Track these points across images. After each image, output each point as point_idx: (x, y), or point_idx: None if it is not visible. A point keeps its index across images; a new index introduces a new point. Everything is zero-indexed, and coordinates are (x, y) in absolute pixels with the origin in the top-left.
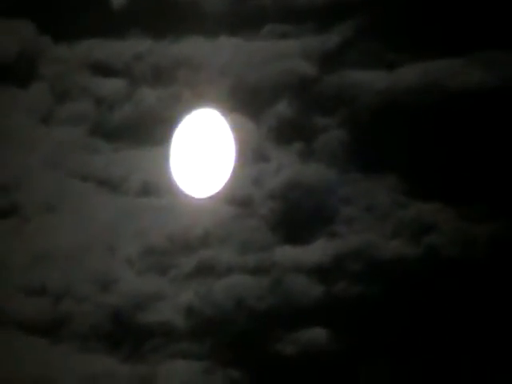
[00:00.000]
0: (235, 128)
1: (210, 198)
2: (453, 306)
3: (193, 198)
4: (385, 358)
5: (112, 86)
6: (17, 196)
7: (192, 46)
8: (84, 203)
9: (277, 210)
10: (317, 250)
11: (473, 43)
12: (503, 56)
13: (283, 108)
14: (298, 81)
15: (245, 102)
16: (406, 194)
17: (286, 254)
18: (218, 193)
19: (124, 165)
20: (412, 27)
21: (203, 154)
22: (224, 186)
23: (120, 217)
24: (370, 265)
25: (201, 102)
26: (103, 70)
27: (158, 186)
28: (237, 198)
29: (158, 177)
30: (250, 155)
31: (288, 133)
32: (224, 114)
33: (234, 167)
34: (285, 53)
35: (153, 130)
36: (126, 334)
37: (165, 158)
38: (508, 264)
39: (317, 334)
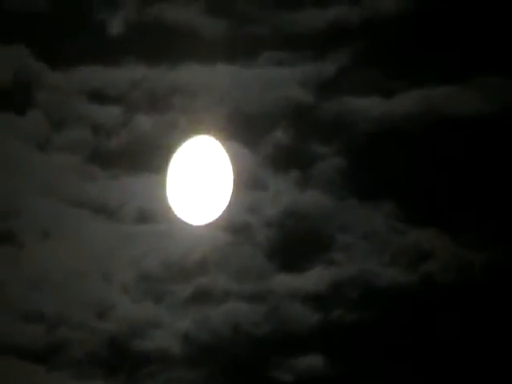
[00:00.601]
0: (232, 155)
1: (207, 225)
2: (449, 333)
3: (190, 225)
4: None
5: (108, 113)
6: (13, 223)
7: (188, 73)
8: (80, 230)
9: (273, 238)
10: (313, 278)
11: (471, 70)
12: (502, 83)
13: (280, 135)
14: (294, 108)
15: (242, 129)
16: (402, 221)
17: (283, 281)
18: (214, 220)
19: (120, 192)
20: (409, 54)
21: (200, 181)
22: (221, 214)
23: (116, 244)
24: (366, 292)
25: (197, 129)
26: (99, 97)
27: (154, 213)
28: (234, 226)
29: (154, 204)
30: (247, 183)
31: (285, 160)
32: (221, 141)
33: (231, 194)
34: (281, 80)
35: (149, 157)
36: (122, 360)
37: (161, 185)
38: (504, 291)
39: (314, 361)
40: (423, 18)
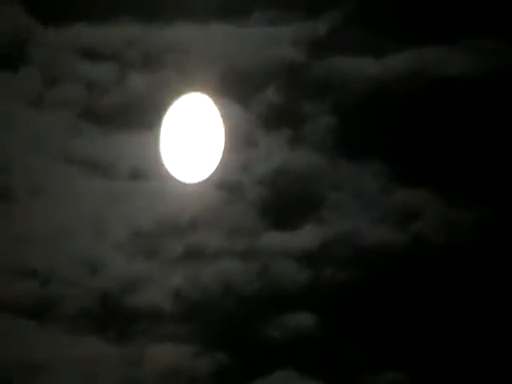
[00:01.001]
0: (224, 113)
1: (199, 182)
2: (438, 291)
3: (182, 182)
4: (371, 342)
5: (102, 70)
6: (4, 179)
7: (182, 32)
8: (72, 187)
9: (265, 196)
10: (304, 236)
11: (461, 31)
12: (489, 44)
13: (272, 94)
14: (287, 67)
15: (234, 87)
16: (392, 180)
17: (274, 239)
18: (207, 178)
19: (113, 149)
20: (399, 15)
21: (193, 139)
22: (213, 171)
23: (109, 200)
24: (356, 250)
25: (190, 87)
26: (93, 54)
27: (147, 171)
28: (225, 184)
29: (147, 161)
30: (239, 141)
31: (277, 119)
32: (213, 99)
33: (223, 152)
34: (274, 39)
35: (142, 115)
36: (114, 316)
37: (154, 142)
38: (493, 249)
39: (304, 319)
40: None
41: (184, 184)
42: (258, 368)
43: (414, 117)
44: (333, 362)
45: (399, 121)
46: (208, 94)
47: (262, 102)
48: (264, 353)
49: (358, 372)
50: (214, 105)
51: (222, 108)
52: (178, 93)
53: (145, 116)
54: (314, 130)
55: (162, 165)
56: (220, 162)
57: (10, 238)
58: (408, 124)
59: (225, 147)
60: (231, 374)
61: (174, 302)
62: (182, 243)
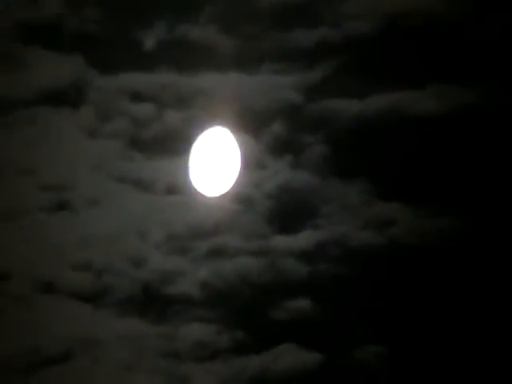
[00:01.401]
0: (240, 143)
1: (220, 196)
2: (409, 282)
3: (206, 196)
4: (357, 322)
5: (144, 109)
6: (69, 194)
7: (207, 79)
8: (122, 200)
9: (272, 207)
10: (303, 239)
11: (427, 78)
12: (450, 88)
13: (278, 128)
14: (289, 107)
15: (248, 122)
16: (373, 196)
17: (280, 241)
18: (226, 192)
19: (153, 171)
20: (379, 65)
21: (215, 162)
22: (231, 188)
23: (150, 210)
24: (344, 250)
25: (213, 122)
26: (137, 96)
27: (179, 187)
28: (241, 197)
29: (179, 180)
30: (252, 164)
31: (281, 147)
32: (231, 131)
33: (239, 173)
34: (279, 85)
35: (176, 144)
36: (154, 302)
37: (185, 165)
38: (454, 250)
39: (302, 303)
40: (391, 37)
41: (208, 197)
42: (267, 342)
43: (390, 146)
44: (325, 337)
45: (378, 149)
46: (227, 127)
47: (270, 134)
48: (271, 330)
49: (346, 345)
50: (232, 136)
51: (238, 138)
52: (203, 127)
53: (178, 145)
54: (310, 156)
55: (191, 183)
56: (236, 180)
57: (73, 239)
58: (385, 151)
59: (240, 169)
60: (246, 347)
61: (200, 291)
62: (206, 244)
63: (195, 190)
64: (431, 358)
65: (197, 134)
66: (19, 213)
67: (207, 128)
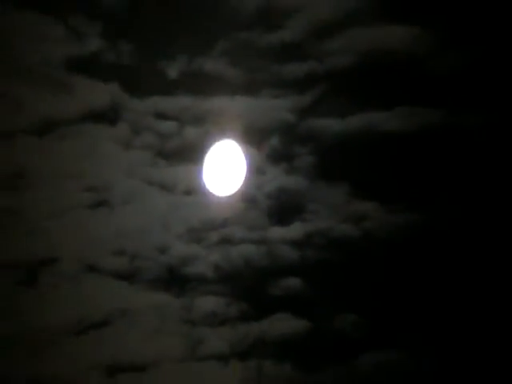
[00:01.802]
0: (245, 153)
1: (229, 196)
2: (380, 267)
3: (217, 196)
4: (338, 296)
5: (168, 126)
6: (107, 194)
7: (218, 102)
8: (149, 199)
9: (270, 205)
10: (294, 230)
11: (396, 102)
12: (415, 111)
13: (275, 141)
14: (284, 125)
15: (251, 136)
16: (351, 196)
17: (276, 232)
18: (233, 193)
19: (174, 175)
20: (356, 91)
21: (224, 168)
22: (238, 189)
23: (172, 208)
24: (328, 240)
25: (224, 136)
26: (162, 115)
27: (195, 189)
28: (245, 197)
29: (195, 183)
30: (254, 170)
31: (278, 157)
32: (238, 144)
33: (244, 177)
34: (276, 107)
35: (193, 154)
36: (176, 280)
37: (200, 171)
38: (417, 241)
39: (294, 282)
40: (366, 69)
41: (218, 197)
42: (266, 312)
43: (365, 156)
44: (312, 308)
45: (356, 158)
46: (235, 140)
47: (269, 146)
48: (269, 303)
49: (328, 315)
50: (238, 147)
51: (243, 149)
52: (215, 140)
53: (194, 154)
54: (301, 164)
55: (205, 185)
56: (242, 183)
57: (110, 231)
58: (362, 160)
59: (245, 174)
60: (249, 316)
61: (213, 271)
62: (217, 234)
63: (208, 191)
64: (398, 325)
65: (210, 146)
66: (68, 209)
67: (218, 141)
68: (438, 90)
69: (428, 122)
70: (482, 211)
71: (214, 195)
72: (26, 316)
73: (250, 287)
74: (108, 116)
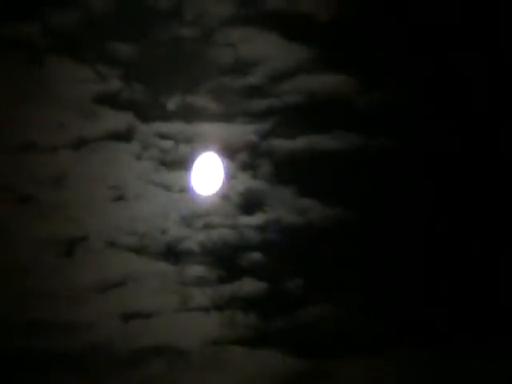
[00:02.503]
0: (223, 163)
1: (211, 194)
2: (320, 246)
3: (202, 194)
4: (287, 265)
5: (168, 144)
6: (123, 191)
7: (204, 127)
8: (154, 195)
9: (241, 201)
10: (258, 218)
11: (333, 126)
12: (347, 135)
13: (244, 156)
14: (251, 144)
15: (227, 152)
16: (298, 195)
17: (244, 220)
18: (214, 192)
19: (173, 179)
20: (305, 119)
21: (208, 174)
22: (217, 189)
23: (170, 202)
24: (281, 226)
25: (207, 151)
26: (164, 136)
27: (186, 188)
28: (223, 195)
29: (187, 184)
30: (230, 176)
31: (246, 167)
32: (219, 156)
33: (222, 181)
34: (246, 131)
35: (186, 164)
36: (173, 252)
37: (190, 175)
38: (348, 231)
39: (257, 256)
40: (313, 104)
41: (203, 195)
42: (237, 277)
43: (309, 167)
44: (270, 274)
45: (302, 169)
46: (215, 154)
47: (240, 158)
48: (239, 270)
49: (282, 278)
50: (218, 159)
51: (222, 161)
52: (201, 154)
53: (187, 164)
54: (263, 172)
55: (194, 186)
56: (220, 185)
57: (125, 219)
58: (306, 170)
59: (223, 178)
60: (224, 280)
61: (199, 248)
62: (202, 221)
63: (196, 190)
64: (333, 287)
65: (197, 158)
66: (95, 202)
67: (203, 154)
68: (363, 119)
69: (355, 143)
70: (399, 209)
71: (200, 193)
72: (65, 279)
73: (226, 259)
74: (124, 136)
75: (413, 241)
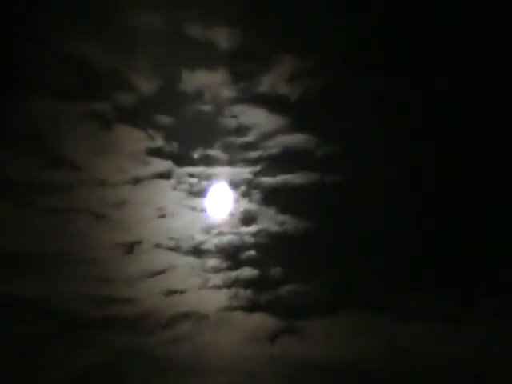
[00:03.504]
0: (230, 194)
1: (223, 213)
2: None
3: (216, 213)
4: (271, 259)
5: (195, 181)
6: (167, 213)
7: (216, 170)
8: (185, 214)
9: (242, 217)
10: (252, 229)
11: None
12: (314, 175)
13: (243, 188)
14: (247, 180)
15: (233, 187)
16: (278, 213)
17: (244, 229)
18: (225, 211)
19: (199, 204)
20: (281, 166)
21: (219, 199)
22: (228, 209)
23: (197, 217)
24: (268, 234)
25: (219, 184)
26: (192, 175)
27: (206, 208)
28: (229, 213)
29: (206, 205)
30: (235, 200)
31: (244, 194)
32: (227, 189)
33: (230, 203)
34: (243, 172)
35: (205, 192)
36: (201, 251)
37: (208, 200)
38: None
39: (252, 253)
40: (282, 157)
41: (217, 214)
42: (239, 266)
43: (287, 197)
44: (260, 265)
45: (286, 197)
46: (225, 187)
47: (240, 190)
48: (240, 262)
49: (266, 267)
50: (227, 191)
51: (229, 192)
52: (216, 187)
53: (205, 192)
54: (255, 198)
55: (210, 207)
56: (230, 207)
57: (165, 229)
58: (287, 199)
59: (230, 201)
60: (231, 268)
61: (215, 247)
62: (217, 230)
63: (212, 210)
64: (309, 268)
65: (213, 189)
66: (145, 218)
67: (217, 187)
68: (319, 163)
69: (314, 179)
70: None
71: (214, 212)
72: (126, 269)
73: (232, 255)
74: (165, 176)
75: (353, 238)
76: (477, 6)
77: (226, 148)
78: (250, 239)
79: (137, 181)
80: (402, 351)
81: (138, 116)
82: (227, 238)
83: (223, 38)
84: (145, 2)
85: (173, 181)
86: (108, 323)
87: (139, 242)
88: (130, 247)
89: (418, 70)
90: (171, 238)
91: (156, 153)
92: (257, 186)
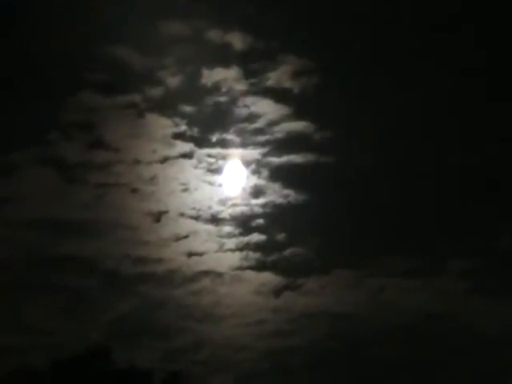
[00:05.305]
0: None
1: (236, 187)
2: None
3: (231, 187)
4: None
5: (211, 161)
6: (189, 186)
7: (235, 151)
8: (207, 191)
9: (252, 190)
10: (261, 201)
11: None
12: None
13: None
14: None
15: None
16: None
17: (254, 201)
18: (238, 186)
19: (216, 179)
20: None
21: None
22: (240, 185)
23: (218, 193)
24: (274, 205)
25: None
26: (211, 156)
27: (223, 184)
28: (242, 189)
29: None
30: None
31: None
32: (241, 167)
33: (242, 180)
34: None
35: (220, 174)
36: (218, 219)
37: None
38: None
39: (260, 222)
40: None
41: (231, 188)
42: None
43: (293, 173)
44: (266, 236)
45: (289, 174)
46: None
47: (251, 168)
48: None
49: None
50: (240, 170)
51: (240, 172)
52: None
53: (224, 170)
54: (263, 172)
55: (226, 182)
56: (240, 183)
57: (189, 202)
58: (290, 175)
59: (242, 178)
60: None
61: (233, 216)
62: (232, 201)
63: (227, 185)
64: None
65: (228, 167)
66: (171, 192)
67: (232, 165)
68: (316, 146)
69: (312, 159)
70: None
71: (229, 187)
72: (155, 234)
73: (243, 223)
74: (188, 156)
75: (344, 209)
76: (478, 7)
77: (239, 133)
78: (259, 210)
79: (164, 160)
80: (384, 302)
81: (165, 106)
82: (240, 209)
83: (237, 40)
84: (171, 12)
85: (194, 160)
86: (143, 278)
87: (166, 212)
88: (159, 216)
89: (412, 68)
90: (193, 209)
91: (180, 137)
92: (265, 165)
